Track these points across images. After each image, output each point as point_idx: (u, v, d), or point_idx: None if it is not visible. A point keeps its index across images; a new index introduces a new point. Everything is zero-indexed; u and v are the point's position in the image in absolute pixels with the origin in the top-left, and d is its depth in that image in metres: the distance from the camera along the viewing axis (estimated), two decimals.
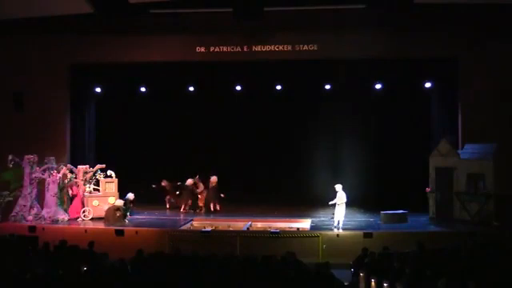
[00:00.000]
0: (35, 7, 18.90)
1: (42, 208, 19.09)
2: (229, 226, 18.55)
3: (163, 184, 21.47)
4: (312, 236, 16.60)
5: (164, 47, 20.76)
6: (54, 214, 18.77)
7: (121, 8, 18.93)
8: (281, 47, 20.40)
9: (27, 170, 19.30)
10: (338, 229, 17.20)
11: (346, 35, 19.99)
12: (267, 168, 23.29)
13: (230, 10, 18.77)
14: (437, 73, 20.61)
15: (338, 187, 17.63)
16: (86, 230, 17.69)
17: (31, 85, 20.97)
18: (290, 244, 16.00)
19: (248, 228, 18.13)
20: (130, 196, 19.56)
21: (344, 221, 17.56)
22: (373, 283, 10.95)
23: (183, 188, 21.02)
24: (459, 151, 18.91)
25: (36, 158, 19.47)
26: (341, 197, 17.51)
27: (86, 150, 22.22)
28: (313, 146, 23.28)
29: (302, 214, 20.08)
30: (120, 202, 18.92)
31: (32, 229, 17.76)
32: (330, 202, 17.59)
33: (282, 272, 11.11)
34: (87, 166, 20.33)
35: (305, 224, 18.63)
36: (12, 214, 18.93)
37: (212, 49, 20.60)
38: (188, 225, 18.86)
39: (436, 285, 10.03)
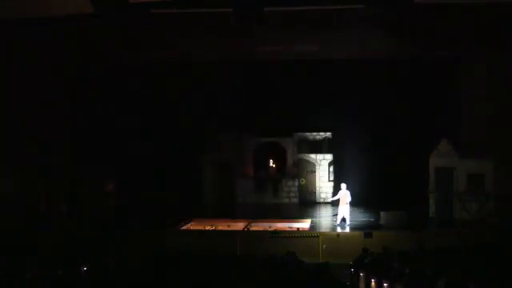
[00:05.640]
0: (36, 7, 18.87)
1: None
2: (229, 226, 18.55)
3: None
4: (312, 236, 16.61)
5: (164, 47, 20.76)
6: None
7: (121, 8, 18.90)
8: (281, 47, 20.40)
9: None
10: (345, 227, 17.36)
11: (346, 35, 19.98)
12: (267, 167, 23.30)
13: (230, 10, 18.76)
14: (437, 73, 20.62)
15: (343, 186, 17.91)
16: None
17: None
18: (290, 244, 15.99)
19: (248, 228, 18.14)
20: None
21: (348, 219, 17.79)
22: (373, 283, 10.97)
23: None
24: (459, 151, 18.93)
25: None
26: (344, 196, 17.71)
27: None
28: (313, 145, 23.30)
29: (302, 214, 20.11)
30: None
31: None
32: (332, 199, 17.84)
33: (282, 272, 11.12)
34: None
35: (305, 224, 18.65)
36: None
37: (212, 49, 20.60)
38: (188, 225, 18.87)
39: (436, 285, 10.04)
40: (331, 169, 23.23)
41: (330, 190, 23.05)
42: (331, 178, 23.19)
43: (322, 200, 23.07)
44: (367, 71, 20.71)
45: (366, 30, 19.58)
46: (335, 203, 18.23)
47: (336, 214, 18.33)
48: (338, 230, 17.34)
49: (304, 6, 19.27)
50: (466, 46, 19.48)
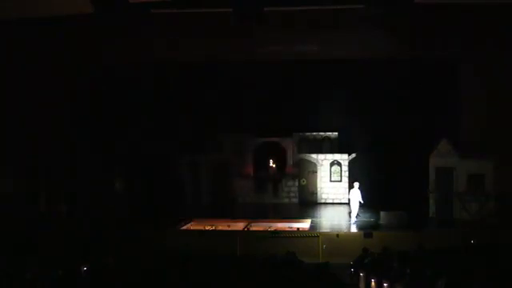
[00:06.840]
0: (36, 7, 18.87)
1: None
2: (229, 226, 18.55)
3: None
4: (312, 236, 16.61)
5: (164, 47, 20.76)
6: None
7: (121, 8, 18.91)
8: (281, 47, 20.41)
9: None
10: (353, 224, 17.76)
11: (346, 35, 19.99)
12: (267, 167, 23.32)
13: (230, 10, 18.78)
14: (437, 73, 20.63)
15: (356, 185, 18.40)
16: None
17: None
18: (290, 244, 15.98)
19: (248, 228, 18.14)
20: None
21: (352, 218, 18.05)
22: (373, 283, 10.97)
23: None
24: (459, 151, 18.93)
25: None
26: (355, 194, 18.24)
27: None
28: (314, 145, 23.31)
29: (302, 214, 20.12)
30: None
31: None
32: (360, 200, 18.19)
33: (282, 272, 11.12)
34: None
35: (305, 224, 18.65)
36: None
37: (212, 49, 20.61)
38: (188, 225, 18.87)
39: (436, 285, 10.05)
40: (333, 169, 23.16)
41: (332, 191, 23.04)
42: (332, 178, 23.15)
43: (323, 201, 23.06)
44: (367, 71, 20.71)
45: (366, 30, 19.60)
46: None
47: (358, 215, 18.47)
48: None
49: (304, 6, 19.30)
50: (466, 46, 19.48)
